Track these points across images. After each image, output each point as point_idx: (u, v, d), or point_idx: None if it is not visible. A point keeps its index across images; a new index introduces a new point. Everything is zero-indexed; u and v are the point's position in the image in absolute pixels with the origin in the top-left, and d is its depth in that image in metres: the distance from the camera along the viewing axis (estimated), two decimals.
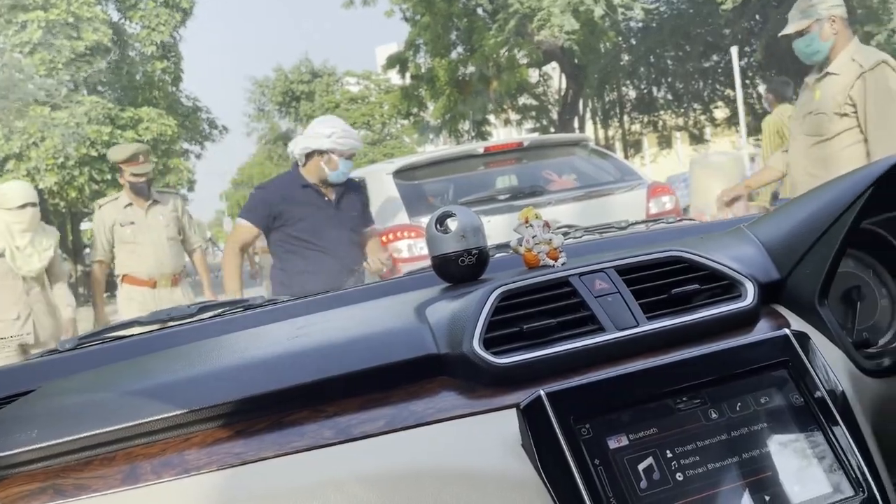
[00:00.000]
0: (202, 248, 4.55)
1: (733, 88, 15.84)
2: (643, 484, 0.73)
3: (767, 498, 0.75)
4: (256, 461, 0.76)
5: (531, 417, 0.75)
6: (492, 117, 18.34)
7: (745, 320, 0.92)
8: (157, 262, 4.11)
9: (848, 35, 2.89)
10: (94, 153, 15.29)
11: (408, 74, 17.83)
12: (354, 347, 0.87)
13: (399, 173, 4.36)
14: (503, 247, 1.31)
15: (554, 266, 1.06)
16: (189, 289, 4.34)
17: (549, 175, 4.70)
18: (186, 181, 19.96)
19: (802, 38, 2.92)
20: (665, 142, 20.06)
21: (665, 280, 0.94)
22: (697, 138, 17.15)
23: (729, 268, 0.95)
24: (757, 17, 13.32)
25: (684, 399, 0.79)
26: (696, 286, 0.93)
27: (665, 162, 20.52)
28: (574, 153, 4.93)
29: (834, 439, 0.79)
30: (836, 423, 0.80)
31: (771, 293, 0.96)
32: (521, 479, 0.74)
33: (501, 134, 20.41)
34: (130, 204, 4.13)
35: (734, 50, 11.68)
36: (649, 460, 0.75)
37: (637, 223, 1.56)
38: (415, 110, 18.47)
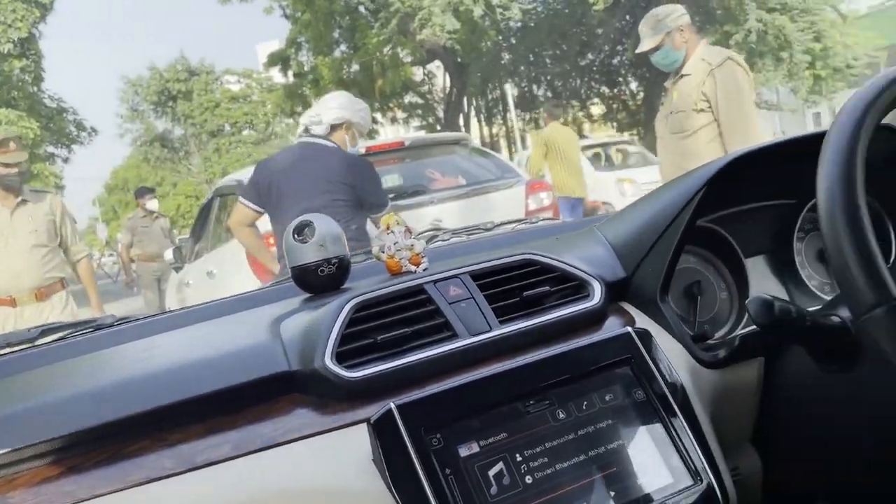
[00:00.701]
0: (89, 256, 3.99)
1: (609, 86, 16.56)
2: (493, 490, 0.74)
3: (613, 493, 0.77)
4: (89, 499, 0.70)
5: (381, 431, 0.75)
6: (378, 115, 18.27)
7: (593, 319, 0.95)
8: (14, 276, 3.50)
9: (696, 39, 3.10)
10: None
11: (290, 72, 17.47)
12: (199, 369, 0.83)
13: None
14: (367, 253, 1.30)
15: (416, 272, 1.06)
16: (72, 303, 3.75)
17: (431, 174, 4.74)
18: (54, 187, 18.66)
19: (658, 52, 3.09)
20: None
21: (518, 283, 0.96)
22: (577, 134, 17.78)
23: (578, 268, 0.98)
24: (627, 17, 13.95)
25: (532, 402, 0.81)
26: (546, 288, 0.95)
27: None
28: (455, 152, 4.99)
29: (674, 431, 0.83)
30: (676, 416, 0.83)
31: (618, 291, 1.00)
32: (373, 495, 0.73)
33: (389, 132, 20.41)
34: None
35: (508, 87, 12.70)
36: (499, 465, 0.76)
37: (503, 224, 1.58)
38: (299, 109, 18.10)
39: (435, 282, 0.94)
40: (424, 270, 1.06)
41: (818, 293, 1.10)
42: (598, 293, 0.96)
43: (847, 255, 0.65)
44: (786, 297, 1.12)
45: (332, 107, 3.04)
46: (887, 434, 0.80)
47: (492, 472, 0.75)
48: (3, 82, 17.40)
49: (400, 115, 18.95)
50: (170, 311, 1.22)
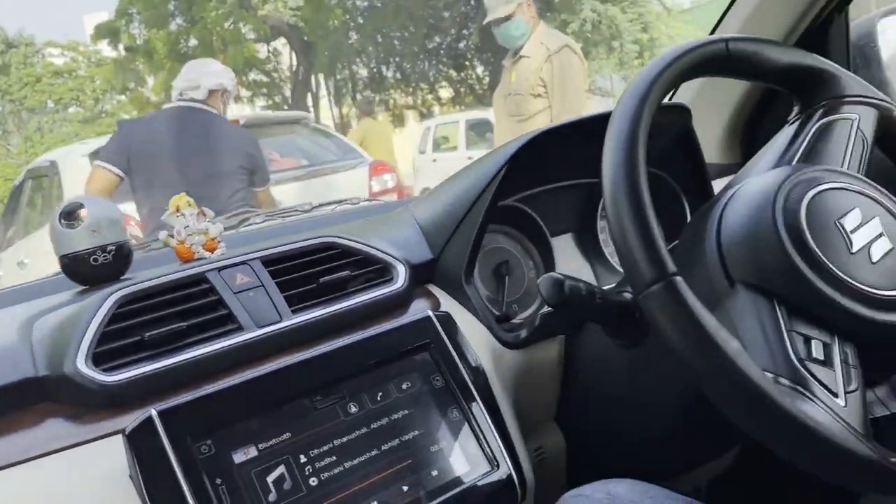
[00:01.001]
0: None
1: (456, 70, 16.74)
2: (272, 497, 0.67)
3: (406, 487, 0.73)
4: None
5: (138, 442, 0.65)
6: None
7: (396, 304, 0.90)
8: None
9: (538, 20, 3.13)
10: None
11: (121, 46, 16.23)
12: None
13: (97, 156, 3.88)
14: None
15: (210, 258, 0.96)
16: None
17: (269, 154, 4.55)
18: None
19: (510, 22, 3.04)
20: (398, 120, 20.64)
21: (316, 268, 0.89)
22: (427, 116, 17.90)
23: (381, 251, 0.93)
24: (472, 1, 14.15)
25: (320, 397, 0.75)
26: (347, 273, 0.89)
27: (397, 140, 21.16)
28: (295, 131, 4.83)
29: (472, 417, 0.80)
30: (475, 401, 0.80)
31: (424, 274, 0.96)
32: None
33: (235, 111, 19.56)
34: None
35: (314, 84, 12.97)
36: (280, 469, 0.69)
37: (322, 205, 1.50)
38: (132, 85, 16.90)
39: (219, 269, 0.85)
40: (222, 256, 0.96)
41: (621, 270, 1.11)
42: (401, 276, 0.91)
43: (626, 232, 0.64)
44: (591, 274, 1.13)
45: (211, 72, 2.90)
46: (670, 408, 0.81)
47: (271, 478, 0.68)
48: None
49: (244, 93, 18.17)
50: None
